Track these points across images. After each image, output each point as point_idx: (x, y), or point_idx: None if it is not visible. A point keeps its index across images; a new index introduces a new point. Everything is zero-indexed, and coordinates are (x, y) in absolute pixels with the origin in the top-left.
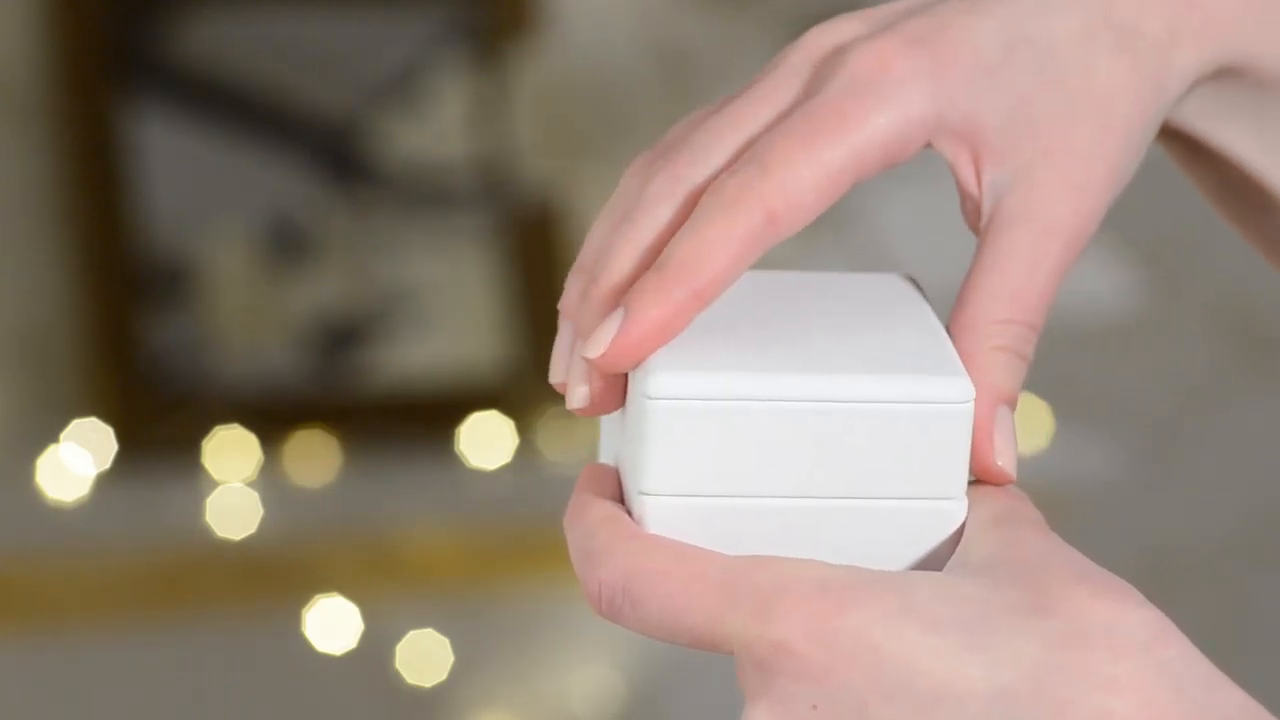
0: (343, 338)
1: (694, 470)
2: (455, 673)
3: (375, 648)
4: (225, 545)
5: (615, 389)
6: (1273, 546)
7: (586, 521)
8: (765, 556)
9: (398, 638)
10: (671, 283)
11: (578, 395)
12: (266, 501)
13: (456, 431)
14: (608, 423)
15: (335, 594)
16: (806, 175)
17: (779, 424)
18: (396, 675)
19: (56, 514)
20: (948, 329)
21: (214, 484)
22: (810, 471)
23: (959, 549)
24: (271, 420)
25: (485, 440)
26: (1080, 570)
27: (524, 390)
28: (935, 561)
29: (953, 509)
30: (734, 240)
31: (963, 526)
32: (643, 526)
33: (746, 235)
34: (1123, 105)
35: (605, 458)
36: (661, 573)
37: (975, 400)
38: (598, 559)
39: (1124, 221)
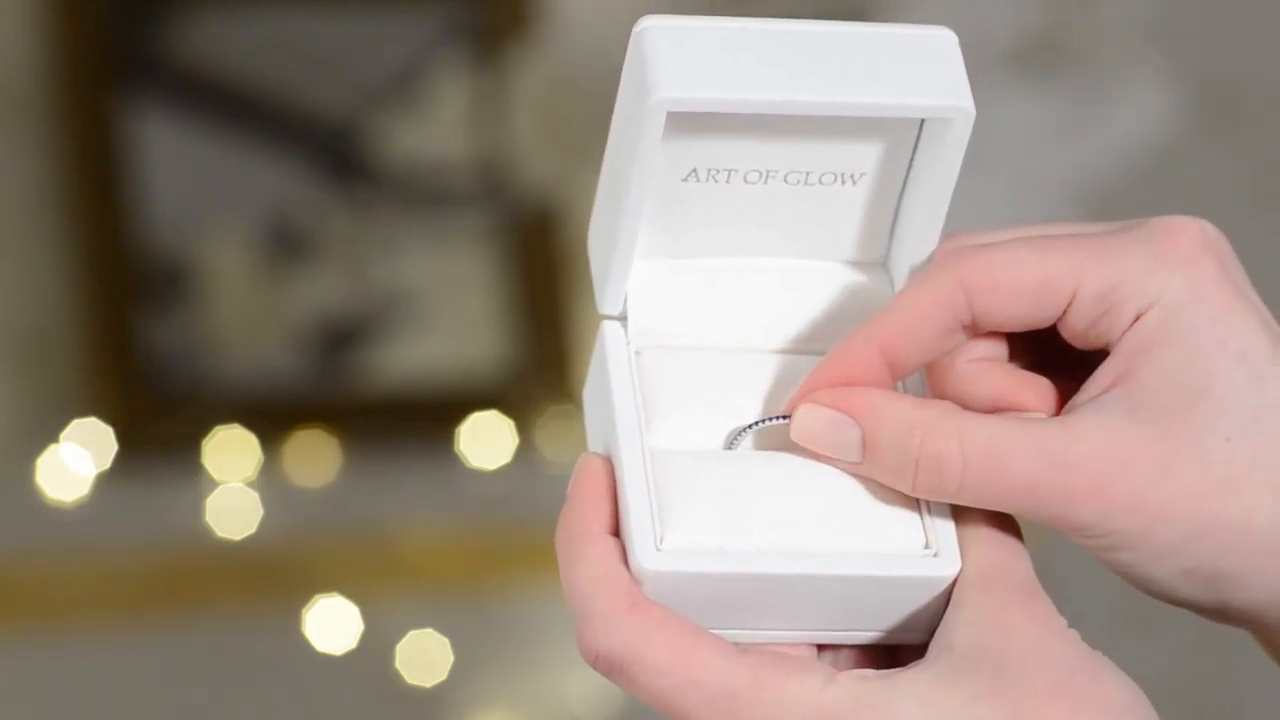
0: (342, 338)
1: (700, 71)
2: (455, 673)
3: (375, 648)
4: (225, 545)
5: None
6: None
7: (583, 571)
8: (762, 668)
9: (398, 638)
10: None
11: None
12: (266, 501)
13: (456, 431)
14: (590, 406)
15: (335, 594)
16: None
17: (769, 38)
18: (396, 675)
19: (56, 514)
20: None
21: (214, 484)
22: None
23: (947, 614)
24: (271, 420)
25: (485, 440)
26: (1060, 675)
27: (524, 390)
28: (925, 617)
29: (944, 567)
30: None
31: (953, 585)
32: (639, 584)
33: None
34: None
35: (595, 446)
36: (658, 670)
37: None
38: (595, 627)
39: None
